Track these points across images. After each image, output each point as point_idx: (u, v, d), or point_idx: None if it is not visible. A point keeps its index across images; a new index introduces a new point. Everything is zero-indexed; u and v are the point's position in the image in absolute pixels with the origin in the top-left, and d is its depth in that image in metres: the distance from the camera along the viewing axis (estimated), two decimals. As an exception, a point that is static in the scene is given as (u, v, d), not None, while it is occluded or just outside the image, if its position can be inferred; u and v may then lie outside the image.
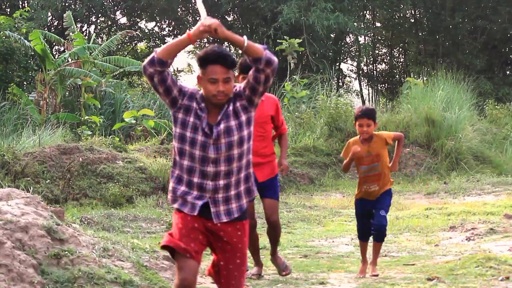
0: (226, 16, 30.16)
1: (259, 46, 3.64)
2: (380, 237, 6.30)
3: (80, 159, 11.87)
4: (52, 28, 27.41)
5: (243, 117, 3.69)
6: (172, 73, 34.54)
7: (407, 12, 29.94)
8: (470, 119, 17.59)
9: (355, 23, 25.17)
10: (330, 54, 26.33)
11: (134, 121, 16.50)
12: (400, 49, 31.93)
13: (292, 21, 22.88)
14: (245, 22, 28.68)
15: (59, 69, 17.18)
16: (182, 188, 3.72)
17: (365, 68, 31.03)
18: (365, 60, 30.31)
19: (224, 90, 3.61)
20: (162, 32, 32.09)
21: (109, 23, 31.29)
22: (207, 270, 4.04)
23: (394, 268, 6.84)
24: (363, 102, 28.09)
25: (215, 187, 3.68)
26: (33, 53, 18.77)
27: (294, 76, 18.61)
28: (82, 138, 14.39)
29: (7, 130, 14.95)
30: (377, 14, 30.47)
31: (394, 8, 28.29)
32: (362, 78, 30.77)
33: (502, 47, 28.87)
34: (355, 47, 30.00)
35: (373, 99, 29.86)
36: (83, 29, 29.15)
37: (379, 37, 31.43)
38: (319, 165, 15.52)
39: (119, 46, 30.19)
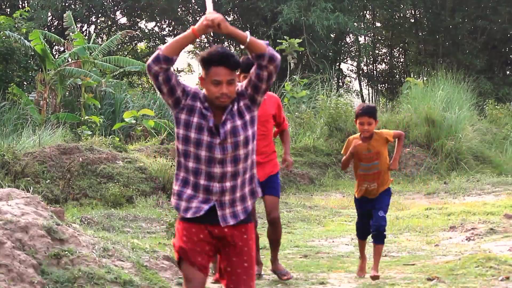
0: (226, 16, 30.16)
1: (262, 42, 3.58)
2: (380, 238, 6.20)
3: (80, 159, 11.87)
4: (52, 28, 27.41)
5: (247, 117, 3.62)
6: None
7: (407, 12, 29.95)
8: (470, 119, 17.60)
9: (355, 23, 25.17)
10: (330, 54, 26.33)
11: (134, 121, 16.50)
12: (400, 49, 31.93)
13: (292, 21, 22.88)
14: (245, 22, 28.68)
15: (59, 69, 17.18)
16: (188, 191, 3.62)
17: (365, 68, 31.05)
18: (365, 60, 30.32)
19: (228, 92, 3.53)
20: (162, 32, 32.10)
21: (109, 23, 31.30)
22: (214, 277, 3.96)
23: (394, 268, 6.84)
24: (363, 102, 28.08)
25: (221, 189, 3.59)
26: (33, 53, 18.77)
27: (294, 76, 18.61)
28: (82, 138, 14.39)
29: (7, 130, 14.95)
30: (377, 14, 30.46)
31: (394, 8, 28.29)
32: (362, 78, 30.77)
33: (502, 47, 28.87)
34: (355, 47, 30.01)
35: (373, 99, 29.86)
36: (83, 29, 29.15)
37: (379, 37, 31.44)
38: (319, 165, 15.52)
39: (119, 46, 30.19)
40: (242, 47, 3.63)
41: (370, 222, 6.24)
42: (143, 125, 16.31)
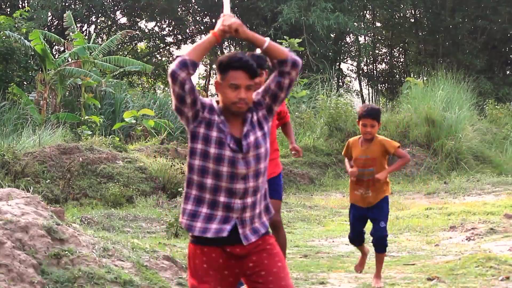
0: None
1: (282, 47, 3.40)
2: (381, 248, 6.01)
3: (80, 159, 11.87)
4: (52, 28, 27.41)
5: (266, 127, 3.42)
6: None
7: (407, 12, 29.97)
8: (470, 119, 17.60)
9: (355, 23, 25.18)
10: (330, 54, 26.34)
11: (134, 121, 16.51)
12: (400, 49, 31.95)
13: (292, 21, 22.89)
14: (245, 22, 28.60)
15: (59, 69, 17.18)
16: (204, 210, 3.34)
17: (365, 68, 31.07)
18: (365, 60, 30.34)
19: (246, 97, 3.32)
20: (162, 32, 32.13)
21: (109, 23, 31.31)
22: None
23: (394, 268, 6.84)
24: (363, 102, 28.09)
25: (243, 206, 3.34)
26: (33, 53, 18.78)
27: (294, 76, 18.59)
28: (82, 138, 14.40)
29: (7, 130, 14.96)
30: (377, 14, 30.48)
31: (394, 8, 28.31)
32: (362, 78, 30.80)
33: (502, 47, 28.89)
34: (355, 47, 30.02)
35: (373, 99, 29.88)
36: (83, 29, 29.16)
37: (379, 37, 31.46)
38: (319, 165, 15.52)
39: (119, 46, 30.20)
40: (259, 51, 3.41)
41: (370, 233, 6.01)
42: (143, 125, 16.31)
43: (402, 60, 31.94)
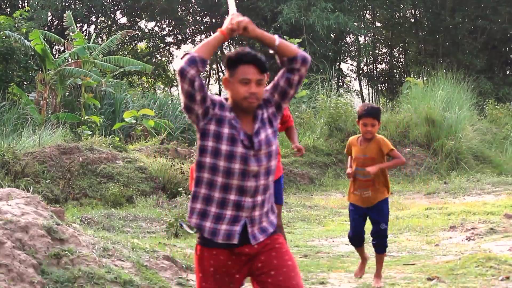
0: (226, 16, 30.17)
1: (291, 45, 3.36)
2: (382, 249, 6.03)
3: (80, 159, 11.88)
4: (52, 28, 27.42)
5: (275, 125, 3.39)
6: (172, 73, 34.56)
7: (407, 12, 29.97)
8: (470, 119, 17.60)
9: (355, 23, 25.18)
10: (330, 54, 26.34)
11: (134, 121, 16.51)
12: (400, 49, 31.96)
13: (292, 21, 22.88)
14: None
15: (59, 69, 17.18)
16: (213, 209, 3.27)
17: (365, 68, 31.07)
18: (365, 60, 30.35)
19: (257, 92, 3.26)
20: (162, 32, 32.13)
21: (109, 23, 31.31)
22: None
23: (394, 267, 6.84)
24: (363, 102, 28.09)
25: (253, 204, 3.29)
26: (33, 53, 18.78)
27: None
28: (82, 138, 14.40)
29: (7, 130, 14.96)
30: (377, 14, 30.49)
31: (394, 8, 28.31)
32: (362, 78, 30.80)
33: (502, 47, 28.90)
34: (355, 47, 30.03)
35: (373, 99, 29.88)
36: (83, 29, 29.16)
37: (379, 37, 31.46)
38: (319, 165, 15.52)
39: (119, 46, 30.21)
40: (271, 52, 3.36)
41: (370, 234, 6.01)
42: (143, 125, 16.31)
43: (402, 60, 31.95)
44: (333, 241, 8.70)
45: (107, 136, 14.61)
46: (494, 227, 8.61)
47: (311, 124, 16.90)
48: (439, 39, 28.08)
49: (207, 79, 33.81)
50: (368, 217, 6.02)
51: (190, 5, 30.40)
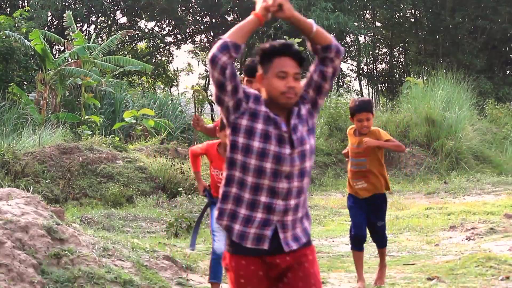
0: (226, 16, 30.19)
1: (326, 32, 3.11)
2: (382, 243, 6.03)
3: (80, 158, 11.88)
4: (52, 28, 27.43)
5: (310, 123, 3.13)
6: (172, 73, 34.57)
7: (407, 11, 29.98)
8: (470, 119, 17.60)
9: (355, 23, 25.19)
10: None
11: (134, 121, 16.52)
12: (400, 49, 31.97)
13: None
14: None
15: (59, 68, 17.19)
16: (243, 211, 3.04)
17: (365, 67, 31.09)
18: (365, 59, 30.35)
19: (295, 86, 3.03)
20: (162, 32, 32.14)
21: (109, 22, 31.33)
22: None
23: (394, 267, 6.84)
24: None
25: (285, 208, 3.04)
26: (33, 53, 18.79)
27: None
28: (82, 137, 14.40)
29: (7, 130, 14.97)
30: (377, 14, 30.50)
31: (394, 7, 28.32)
32: (362, 77, 30.82)
33: (502, 47, 28.90)
34: (355, 47, 30.03)
35: (373, 98, 29.88)
36: (83, 29, 29.17)
37: (379, 37, 31.47)
38: (319, 165, 15.53)
39: (119, 46, 30.21)
40: (306, 38, 3.11)
41: (370, 232, 5.95)
42: (143, 125, 16.32)
43: (402, 60, 31.96)
44: (333, 241, 8.70)
45: (107, 136, 14.62)
46: (494, 227, 8.60)
47: (311, 124, 16.89)
48: (439, 39, 28.09)
49: (207, 79, 33.81)
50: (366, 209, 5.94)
51: (190, 5, 30.41)
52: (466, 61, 26.04)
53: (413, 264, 6.96)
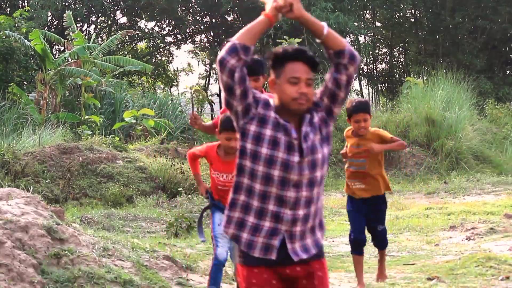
0: (226, 16, 30.19)
1: (340, 37, 3.00)
2: (383, 246, 6.01)
3: (80, 158, 11.88)
4: (52, 28, 27.43)
5: (324, 132, 3.05)
6: (172, 73, 34.56)
7: (407, 11, 29.99)
8: (470, 119, 17.60)
9: (355, 23, 25.19)
10: (330, 53, 26.32)
11: (134, 121, 16.52)
12: (400, 49, 31.97)
13: (292, 21, 22.87)
14: (245, 22, 28.65)
15: (59, 68, 17.19)
16: (251, 219, 2.97)
17: (365, 67, 31.07)
18: (365, 59, 30.34)
19: (307, 92, 2.94)
20: (162, 32, 32.14)
21: (109, 22, 31.33)
22: None
23: (394, 267, 6.84)
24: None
25: (293, 218, 2.95)
26: (33, 53, 18.79)
27: (294, 76, 18.59)
28: (82, 137, 14.40)
29: (7, 130, 14.97)
30: (377, 14, 30.50)
31: (394, 7, 28.32)
32: (362, 77, 30.81)
33: (502, 47, 28.91)
34: (355, 47, 30.00)
35: (373, 98, 29.90)
36: (83, 29, 29.17)
37: (379, 37, 31.47)
38: (319, 165, 15.52)
39: (119, 46, 30.21)
40: (318, 41, 3.03)
41: (364, 224, 5.88)
42: (143, 125, 16.32)
43: (402, 60, 31.97)
44: (333, 241, 8.70)
45: (107, 136, 14.62)
46: (494, 227, 8.61)
47: (311, 124, 16.89)
48: (439, 39, 28.09)
49: (207, 79, 33.81)
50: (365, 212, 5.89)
51: (190, 4, 30.40)
52: (466, 61, 26.05)
53: (413, 264, 6.96)
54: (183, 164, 12.50)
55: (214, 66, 32.87)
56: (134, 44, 32.76)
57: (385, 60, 31.74)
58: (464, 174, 14.97)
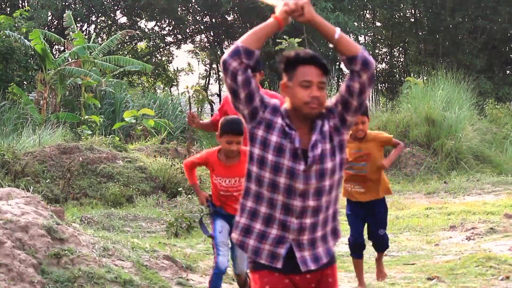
0: (226, 16, 30.19)
1: (354, 42, 2.93)
2: (382, 249, 5.98)
3: (80, 158, 11.87)
4: (52, 28, 27.43)
5: (336, 140, 2.94)
6: (172, 73, 34.57)
7: (407, 11, 30.00)
8: (470, 119, 17.59)
9: (355, 23, 25.21)
10: (330, 53, 26.32)
11: (134, 121, 16.52)
12: (400, 49, 31.98)
13: (292, 20, 22.85)
14: (245, 22, 28.69)
15: (59, 68, 17.19)
16: (258, 226, 2.93)
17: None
18: (365, 59, 30.34)
19: (319, 96, 2.87)
20: (162, 32, 32.14)
21: (109, 22, 31.33)
22: None
23: (394, 267, 6.84)
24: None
25: (300, 227, 2.90)
26: (33, 53, 18.79)
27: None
28: (82, 137, 14.40)
29: (7, 130, 14.97)
30: (377, 14, 30.51)
31: (394, 7, 28.33)
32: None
33: (502, 47, 28.92)
34: (355, 47, 30.02)
35: (373, 98, 29.90)
36: (83, 29, 29.17)
37: (379, 37, 31.48)
38: (319, 165, 15.52)
39: (119, 46, 30.21)
40: (331, 45, 2.97)
41: (363, 228, 5.87)
42: (143, 125, 16.32)
43: (402, 59, 31.98)
44: (333, 241, 8.69)
45: (107, 136, 14.62)
46: (494, 227, 8.61)
47: (311, 124, 16.88)
48: (439, 39, 28.10)
49: (207, 78, 33.82)
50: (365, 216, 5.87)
51: (190, 4, 30.40)
52: (466, 61, 26.05)
53: (413, 264, 6.95)
54: (183, 164, 12.49)
55: (214, 66, 32.88)
56: (134, 44, 32.77)
57: (385, 60, 31.76)
58: (464, 174, 14.97)
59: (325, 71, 2.91)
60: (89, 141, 13.36)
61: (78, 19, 26.82)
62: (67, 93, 18.52)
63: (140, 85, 31.13)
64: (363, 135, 5.65)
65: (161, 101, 20.14)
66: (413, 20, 30.25)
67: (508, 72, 29.34)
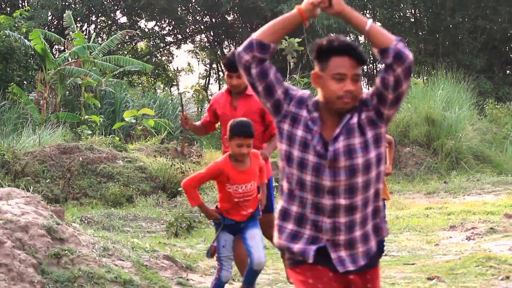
0: (226, 16, 30.19)
1: (388, 33, 2.70)
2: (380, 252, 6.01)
3: (80, 158, 11.87)
4: (52, 28, 27.42)
5: (370, 134, 2.74)
6: (172, 73, 34.59)
7: (407, 11, 29.98)
8: (470, 119, 17.60)
9: (355, 23, 25.16)
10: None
11: (134, 121, 16.51)
12: (400, 49, 31.94)
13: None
14: (245, 22, 28.69)
15: (59, 68, 17.19)
16: (290, 226, 2.80)
17: (365, 67, 31.08)
18: (365, 59, 30.32)
19: (354, 90, 2.70)
20: (162, 32, 32.14)
21: (109, 22, 31.32)
22: None
23: (394, 267, 6.84)
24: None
25: (333, 226, 2.73)
26: (33, 53, 18.79)
27: (294, 76, 18.62)
28: (82, 137, 14.40)
29: (7, 130, 14.97)
30: (377, 14, 30.48)
31: (394, 7, 28.32)
32: (362, 77, 30.79)
33: (502, 47, 28.90)
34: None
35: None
36: (83, 29, 29.17)
37: (379, 37, 31.44)
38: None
39: (119, 46, 30.21)
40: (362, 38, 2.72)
41: None
42: (143, 125, 16.31)
43: (402, 59, 31.94)
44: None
45: (107, 136, 14.62)
46: (494, 227, 8.61)
47: (311, 124, 16.87)
48: (439, 39, 28.09)
49: (207, 78, 33.81)
50: None
51: (190, 4, 30.39)
52: (466, 61, 26.04)
53: (413, 264, 6.95)
54: (183, 164, 12.50)
55: (214, 66, 32.86)
56: (134, 44, 32.76)
57: (385, 60, 31.74)
58: (464, 174, 14.97)
59: (361, 61, 2.73)
60: (89, 141, 13.36)
61: (78, 19, 26.81)
62: (67, 93, 18.52)
63: (140, 85, 31.12)
64: None
65: (161, 101, 20.13)
66: (413, 20, 30.24)
67: (508, 72, 29.33)
